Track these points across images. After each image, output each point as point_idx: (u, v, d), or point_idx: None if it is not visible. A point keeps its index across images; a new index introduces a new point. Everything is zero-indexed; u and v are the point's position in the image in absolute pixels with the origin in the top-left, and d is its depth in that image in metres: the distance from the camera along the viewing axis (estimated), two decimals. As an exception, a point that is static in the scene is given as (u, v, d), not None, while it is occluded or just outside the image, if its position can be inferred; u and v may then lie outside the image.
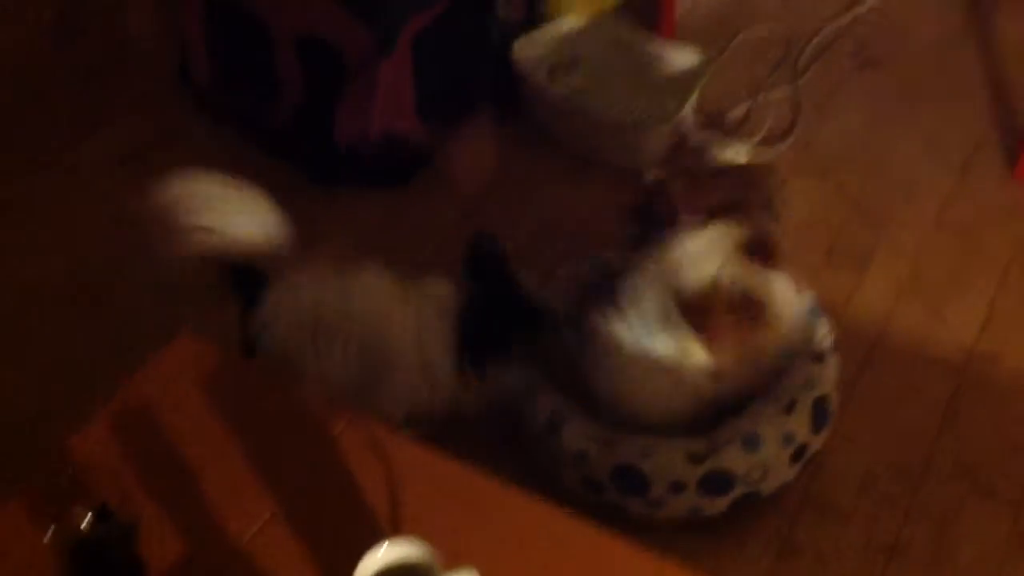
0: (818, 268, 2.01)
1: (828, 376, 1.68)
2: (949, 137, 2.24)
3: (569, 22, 2.33)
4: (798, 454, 1.65)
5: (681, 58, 2.28)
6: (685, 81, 2.23)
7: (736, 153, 2.17)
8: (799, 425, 1.63)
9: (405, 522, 1.12)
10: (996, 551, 1.62)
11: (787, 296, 1.65)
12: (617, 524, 1.59)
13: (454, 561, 1.00)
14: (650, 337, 1.57)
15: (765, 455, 1.60)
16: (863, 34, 2.47)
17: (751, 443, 1.59)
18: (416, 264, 2.03)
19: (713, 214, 1.56)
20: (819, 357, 1.69)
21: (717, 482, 1.59)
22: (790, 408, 1.62)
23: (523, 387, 1.68)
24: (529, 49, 2.27)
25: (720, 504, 1.62)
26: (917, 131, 2.26)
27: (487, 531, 1.10)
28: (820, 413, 1.66)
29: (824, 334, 1.72)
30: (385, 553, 0.99)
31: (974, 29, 2.47)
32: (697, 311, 1.53)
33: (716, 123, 2.27)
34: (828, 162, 2.21)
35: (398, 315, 1.58)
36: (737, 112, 2.31)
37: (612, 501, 1.62)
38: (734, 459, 1.58)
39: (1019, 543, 1.62)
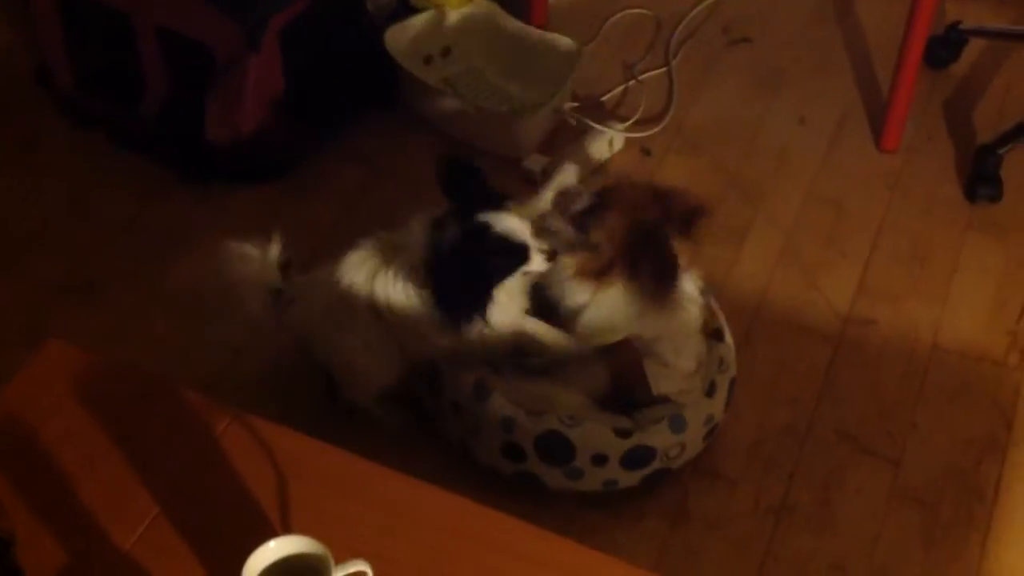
0: (698, 244, 2.04)
1: (732, 354, 1.72)
2: (817, 111, 2.31)
3: (441, 11, 2.32)
4: (710, 432, 1.70)
5: (554, 45, 2.29)
6: (559, 67, 2.24)
7: (613, 136, 2.20)
8: (717, 406, 1.68)
9: (294, 517, 1.11)
10: (878, 507, 1.67)
11: (691, 287, 1.70)
12: (529, 495, 1.64)
13: (346, 553, 1.00)
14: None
15: (687, 435, 1.64)
16: (731, 13, 2.52)
17: (677, 425, 1.63)
18: (300, 259, 2.02)
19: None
20: (719, 335, 1.73)
21: (639, 457, 1.62)
22: (712, 391, 1.67)
23: (445, 359, 1.67)
24: (402, 38, 2.26)
25: (635, 478, 1.65)
26: (787, 106, 2.32)
27: (377, 520, 1.10)
28: (732, 393, 1.73)
29: (716, 309, 1.76)
30: (273, 550, 0.98)
31: (838, 6, 2.54)
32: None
33: (592, 107, 2.29)
34: (703, 139, 2.25)
35: (380, 280, 1.61)
36: (612, 95, 2.34)
37: (530, 471, 1.64)
38: (659, 437, 1.62)
39: (899, 498, 1.69)
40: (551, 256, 1.58)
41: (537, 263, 1.58)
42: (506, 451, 1.64)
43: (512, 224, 1.56)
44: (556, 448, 1.60)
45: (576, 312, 1.64)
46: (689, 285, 1.70)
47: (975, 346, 1.88)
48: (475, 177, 1.59)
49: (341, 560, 0.99)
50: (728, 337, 1.74)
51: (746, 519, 1.66)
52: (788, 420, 1.79)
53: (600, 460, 1.61)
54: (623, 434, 1.61)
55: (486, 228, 1.54)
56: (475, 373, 1.64)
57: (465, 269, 1.54)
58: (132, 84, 2.13)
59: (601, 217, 1.62)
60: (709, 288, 1.78)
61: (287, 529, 1.09)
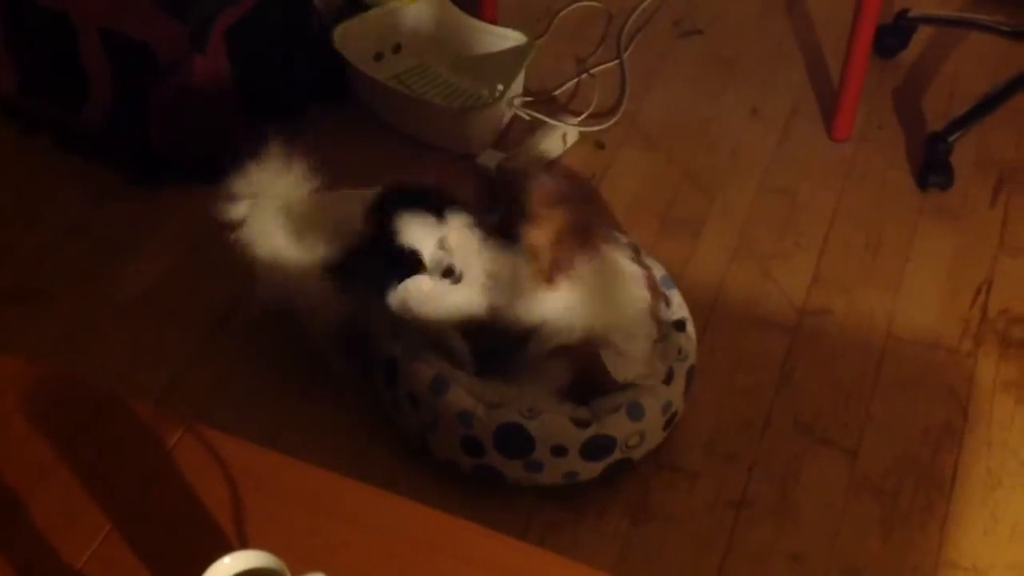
0: (654, 237, 2.05)
1: (693, 344, 1.72)
2: (769, 102, 2.31)
3: (391, 7, 2.30)
4: (670, 421, 1.69)
5: (505, 39, 2.28)
6: (510, 62, 2.23)
7: (567, 130, 2.19)
8: (675, 394, 1.68)
9: (251, 530, 1.09)
10: (837, 497, 1.68)
11: (632, 268, 1.70)
12: (490, 490, 1.63)
13: (303, 565, 0.98)
14: None
15: (645, 423, 1.64)
16: (682, 5, 2.52)
17: (635, 412, 1.62)
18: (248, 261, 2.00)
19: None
20: (680, 325, 1.73)
21: (598, 447, 1.62)
22: (669, 378, 1.66)
23: (400, 349, 1.67)
24: (351, 36, 2.23)
25: (595, 469, 1.64)
26: (739, 97, 2.33)
27: (334, 531, 1.08)
28: (691, 381, 1.72)
29: (679, 302, 1.77)
30: (228, 565, 0.96)
31: (786, -4, 2.55)
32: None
33: (545, 101, 2.28)
34: (657, 132, 2.25)
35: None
36: (565, 89, 2.33)
37: (490, 464, 1.63)
38: (618, 426, 1.62)
39: (857, 488, 1.70)
40: (447, 273, 1.60)
41: (423, 279, 1.59)
42: (465, 445, 1.63)
43: (417, 236, 1.58)
44: (515, 440, 1.60)
45: (537, 326, 1.64)
46: (628, 264, 1.70)
47: (929, 334, 1.90)
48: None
49: (298, 573, 0.97)
50: (690, 328, 1.75)
51: (707, 513, 1.66)
52: (746, 412, 1.79)
53: (560, 451, 1.61)
54: (582, 424, 1.61)
55: (391, 235, 1.58)
56: (433, 367, 1.63)
57: (362, 265, 1.63)
58: (76, 87, 2.09)
59: (526, 221, 1.61)
60: (670, 279, 1.79)
61: (243, 543, 1.07)
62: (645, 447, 1.68)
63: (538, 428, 1.59)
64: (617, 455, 1.64)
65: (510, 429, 1.59)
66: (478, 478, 1.66)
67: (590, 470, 1.64)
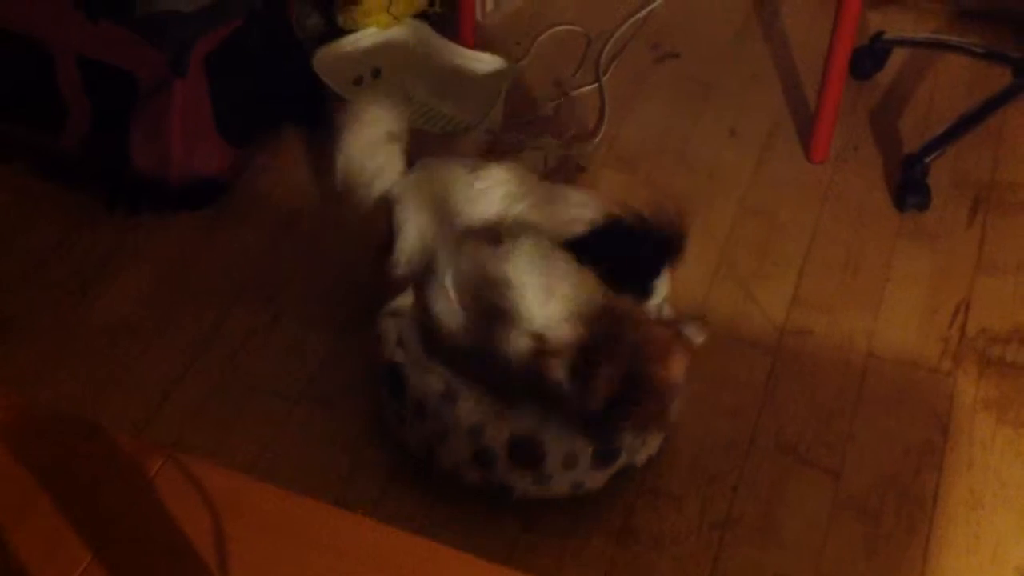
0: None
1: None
2: (747, 124, 2.33)
3: (369, 32, 2.31)
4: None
5: (484, 64, 2.29)
6: (490, 87, 2.24)
7: (548, 153, 2.20)
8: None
9: (233, 560, 1.08)
10: (821, 518, 1.68)
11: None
12: (474, 516, 1.62)
13: (285, 594, 0.97)
14: None
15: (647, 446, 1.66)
16: (660, 28, 2.54)
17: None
18: (233, 287, 2.00)
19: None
20: None
21: (606, 455, 1.63)
22: None
23: (408, 363, 1.65)
24: (331, 61, 2.24)
25: (601, 479, 1.65)
26: (717, 119, 2.34)
27: (318, 561, 1.07)
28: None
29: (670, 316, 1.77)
30: (209, 594, 0.95)
31: (764, 21, 2.57)
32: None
33: (525, 125, 2.29)
34: (636, 155, 2.26)
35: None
36: (545, 112, 2.34)
37: (498, 479, 1.62)
38: (636, 456, 1.64)
39: (841, 508, 1.70)
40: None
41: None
42: (476, 457, 1.62)
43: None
44: (528, 451, 1.59)
45: None
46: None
47: (909, 353, 1.90)
48: None
49: (282, 602, 0.96)
50: None
51: (692, 535, 1.66)
52: (730, 433, 1.79)
53: (571, 462, 1.61)
54: (608, 458, 1.62)
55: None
56: (442, 377, 1.63)
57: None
58: (53, 113, 2.08)
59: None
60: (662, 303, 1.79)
61: (225, 573, 1.06)
62: (646, 451, 1.69)
63: (550, 438, 1.59)
64: (622, 460, 1.65)
65: (523, 440, 1.59)
66: (479, 493, 1.65)
67: (597, 479, 1.65)
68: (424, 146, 2.17)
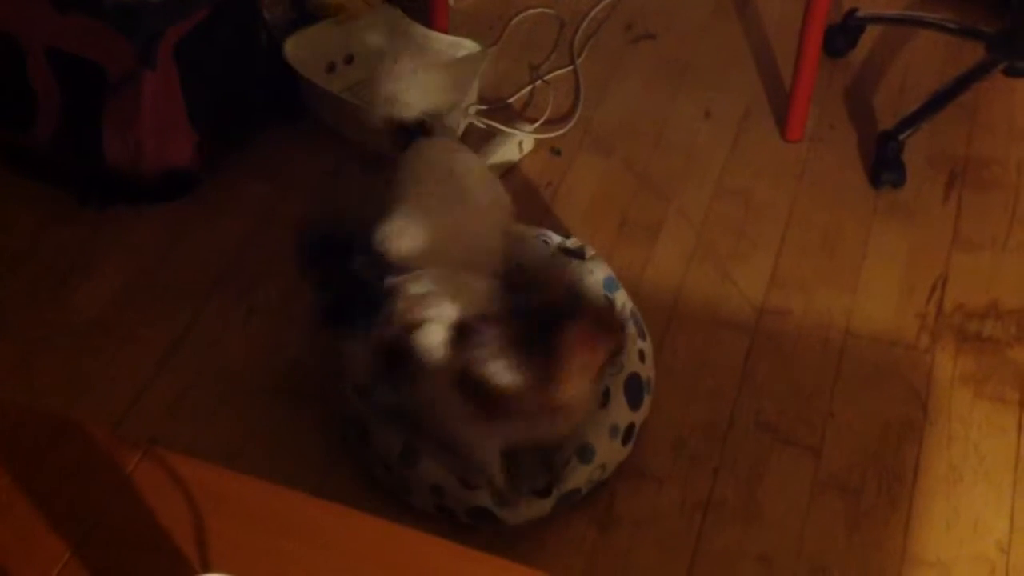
0: (612, 243, 2.05)
1: (631, 349, 1.71)
2: (722, 104, 2.32)
3: (342, 18, 2.29)
4: (627, 435, 1.68)
5: (458, 48, 2.28)
6: (464, 71, 2.23)
7: (523, 138, 2.19)
8: (618, 412, 1.66)
9: (213, 553, 1.07)
10: (802, 496, 1.69)
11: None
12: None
13: (267, 586, 0.97)
14: None
15: (601, 456, 1.63)
16: (634, 9, 2.53)
17: (587, 455, 1.62)
18: (208, 281, 1.98)
19: None
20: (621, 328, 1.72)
21: (567, 499, 1.63)
22: (606, 400, 1.65)
23: (371, 413, 1.65)
24: (303, 47, 2.22)
25: (548, 505, 1.65)
26: (692, 100, 2.34)
27: (299, 552, 1.07)
28: (634, 389, 1.69)
29: (623, 303, 1.76)
30: (189, 590, 0.94)
31: (737, 1, 2.57)
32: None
33: (499, 109, 2.28)
34: (612, 138, 2.25)
35: None
36: (519, 96, 2.33)
37: (461, 522, 1.63)
38: (576, 476, 1.62)
39: (821, 486, 1.70)
40: None
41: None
42: (439, 509, 1.63)
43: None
44: (487, 518, 1.61)
45: None
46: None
47: (887, 331, 1.91)
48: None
49: (263, 595, 0.96)
50: (628, 333, 1.71)
51: (674, 517, 1.67)
52: (709, 414, 1.80)
53: (533, 523, 1.63)
54: (545, 494, 1.61)
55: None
56: (402, 435, 1.62)
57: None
58: (24, 107, 2.06)
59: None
60: (614, 280, 1.78)
61: (205, 566, 1.05)
62: (611, 468, 1.68)
63: (510, 513, 1.60)
64: (585, 491, 1.65)
65: (482, 511, 1.60)
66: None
67: (545, 508, 1.64)
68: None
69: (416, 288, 1.54)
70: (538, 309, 1.47)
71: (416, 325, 1.50)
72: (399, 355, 1.53)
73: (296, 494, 1.12)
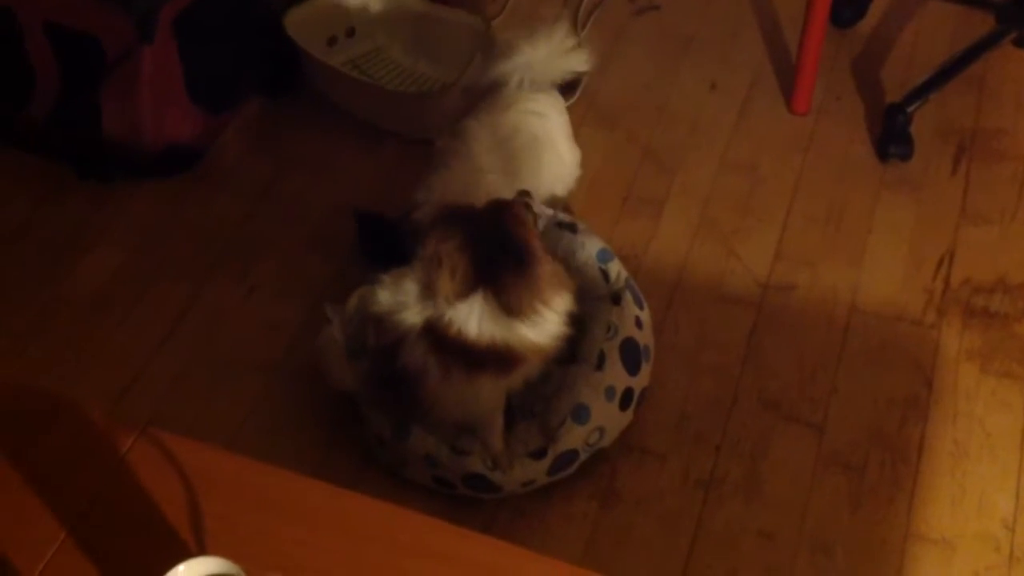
0: (616, 217, 2.03)
1: (627, 315, 1.69)
2: (728, 77, 2.30)
3: (342, -9, 2.26)
4: (626, 400, 1.67)
5: (460, 21, 2.25)
6: (466, 45, 2.20)
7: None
8: (614, 375, 1.65)
9: (209, 534, 1.07)
10: (805, 473, 1.68)
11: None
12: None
13: (263, 568, 0.97)
14: None
15: (596, 418, 1.62)
16: (637, -19, 2.50)
17: (581, 415, 1.61)
18: (208, 258, 1.97)
19: None
20: (616, 298, 1.71)
21: (562, 463, 1.62)
22: (600, 363, 1.64)
23: (364, 391, 1.65)
24: (303, 20, 2.19)
25: (568, 472, 1.64)
26: (697, 73, 2.31)
27: (295, 532, 1.06)
28: (631, 354, 1.67)
29: (618, 273, 1.74)
30: (183, 574, 0.94)
31: (742, -31, 2.53)
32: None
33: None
34: (616, 111, 2.23)
35: None
36: (522, 69, 2.30)
37: (459, 494, 1.63)
38: (572, 437, 1.61)
39: (825, 463, 1.69)
40: None
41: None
42: (436, 481, 1.63)
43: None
44: (483, 484, 1.60)
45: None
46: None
47: (893, 306, 1.89)
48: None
49: (259, 576, 0.96)
50: (625, 300, 1.71)
51: (676, 494, 1.66)
52: (713, 390, 1.78)
53: (529, 484, 1.62)
54: (540, 455, 1.60)
55: None
56: (394, 411, 1.62)
57: None
58: (22, 82, 2.04)
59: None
60: (608, 251, 1.76)
61: (201, 547, 1.05)
62: (611, 435, 1.66)
63: (503, 478, 1.59)
64: (584, 456, 1.64)
65: (477, 477, 1.60)
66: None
67: (564, 474, 1.65)
68: (399, 107, 2.15)
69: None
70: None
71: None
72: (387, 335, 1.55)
73: (292, 475, 1.12)
